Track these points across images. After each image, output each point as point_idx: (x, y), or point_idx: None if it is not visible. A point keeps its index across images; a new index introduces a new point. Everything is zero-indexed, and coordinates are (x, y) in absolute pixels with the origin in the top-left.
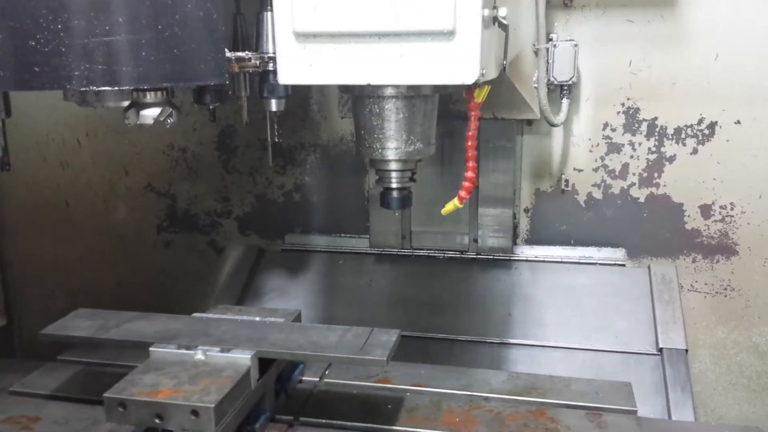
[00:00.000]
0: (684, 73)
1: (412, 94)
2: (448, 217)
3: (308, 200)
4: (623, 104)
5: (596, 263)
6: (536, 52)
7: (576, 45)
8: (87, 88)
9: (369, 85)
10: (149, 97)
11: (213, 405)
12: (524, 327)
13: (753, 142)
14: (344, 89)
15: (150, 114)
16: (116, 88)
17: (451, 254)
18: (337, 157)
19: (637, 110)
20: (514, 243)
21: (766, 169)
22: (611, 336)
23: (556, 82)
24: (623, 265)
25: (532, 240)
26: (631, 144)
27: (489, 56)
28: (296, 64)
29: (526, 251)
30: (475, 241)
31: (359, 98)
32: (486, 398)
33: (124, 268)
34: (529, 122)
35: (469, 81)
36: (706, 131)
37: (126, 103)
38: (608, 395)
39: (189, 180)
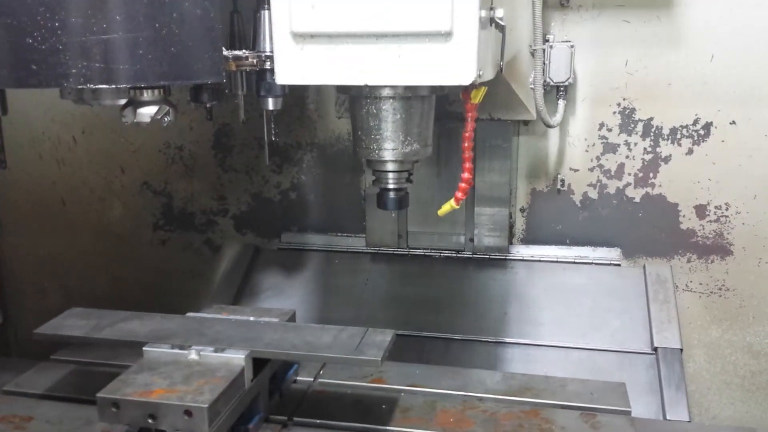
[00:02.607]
0: (679, 73)
1: (409, 95)
2: (445, 217)
3: (305, 199)
4: (619, 104)
5: (592, 263)
6: (533, 53)
7: (572, 46)
8: (84, 86)
9: (366, 86)
10: (146, 95)
11: (206, 405)
12: (520, 326)
13: (748, 143)
14: (341, 89)
15: (147, 112)
16: (113, 86)
17: (447, 254)
18: (333, 156)
19: (633, 110)
20: (510, 242)
21: (761, 169)
22: (606, 335)
23: (552, 83)
24: (618, 265)
25: (528, 239)
26: (627, 144)
27: (486, 57)
28: (294, 64)
29: (521, 251)
30: (471, 240)
31: (356, 99)
32: (480, 398)
33: (119, 266)
34: (525, 122)
35: (466, 82)
36: (702, 131)
37: (123, 102)
38: (603, 396)
39: (185, 178)
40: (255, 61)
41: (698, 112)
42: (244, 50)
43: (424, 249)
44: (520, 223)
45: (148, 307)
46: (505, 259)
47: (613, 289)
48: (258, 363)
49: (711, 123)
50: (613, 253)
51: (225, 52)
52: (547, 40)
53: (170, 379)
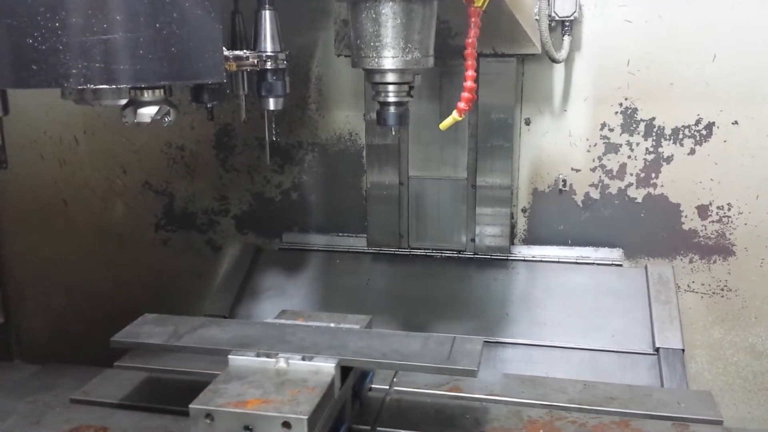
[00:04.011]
0: (682, 73)
1: None
2: (446, 216)
3: (306, 199)
4: (621, 104)
5: (593, 263)
6: None
7: None
8: (84, 87)
9: None
10: (147, 95)
11: (306, 416)
12: (521, 326)
13: (750, 143)
14: None
15: (147, 112)
16: (114, 86)
17: (448, 254)
18: (335, 156)
19: (635, 110)
20: (512, 243)
21: (763, 169)
22: (608, 336)
23: (557, 18)
24: (620, 265)
25: (530, 240)
26: (629, 144)
27: None
28: None
29: (523, 251)
30: (473, 240)
31: (356, 3)
32: (566, 408)
33: (121, 266)
34: (527, 122)
35: None
36: (704, 132)
37: (123, 102)
38: (691, 405)
39: (187, 178)
40: (256, 61)
41: (700, 112)
42: (245, 50)
43: (426, 249)
44: (521, 224)
45: (150, 306)
46: (507, 260)
47: (615, 290)
48: (343, 371)
49: (713, 123)
50: (614, 254)
51: (226, 52)
52: None
53: (262, 388)
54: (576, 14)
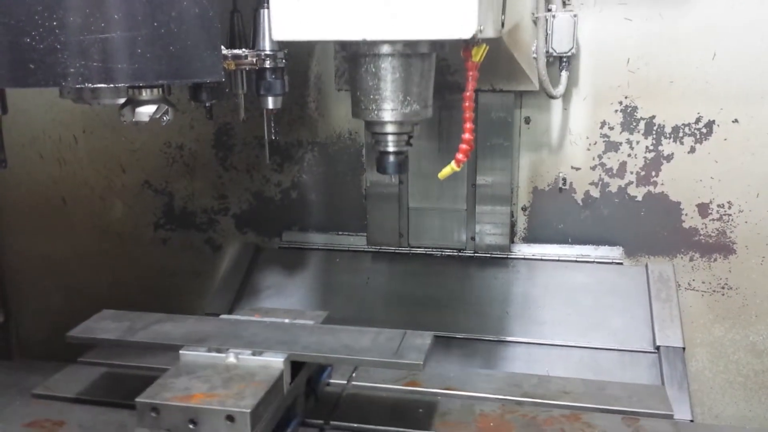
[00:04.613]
0: (682, 71)
1: (408, 53)
2: (446, 215)
3: (306, 198)
4: (621, 102)
5: (593, 261)
6: (535, 21)
7: (575, 15)
8: (82, 86)
9: (365, 43)
10: (145, 94)
11: (249, 410)
12: (521, 325)
13: (751, 141)
14: (341, 47)
15: (146, 111)
16: (112, 85)
17: (448, 252)
18: (334, 155)
19: (635, 108)
20: (512, 241)
21: (763, 167)
22: (608, 334)
23: (555, 54)
24: (620, 264)
25: (530, 238)
26: (629, 142)
27: (487, 13)
28: (292, 20)
29: (523, 249)
30: (473, 239)
31: (355, 58)
32: (519, 402)
33: (120, 266)
34: (527, 120)
35: (467, 36)
36: (704, 130)
37: (122, 101)
38: (643, 399)
39: (186, 177)
40: (254, 59)
41: (701, 111)
42: (243, 49)
43: (426, 248)
44: (521, 222)
45: (149, 306)
46: (507, 258)
47: (615, 288)
48: (294, 366)
49: (713, 121)
50: (615, 252)
51: (224, 51)
52: (550, 10)
53: (209, 383)
54: (573, 50)
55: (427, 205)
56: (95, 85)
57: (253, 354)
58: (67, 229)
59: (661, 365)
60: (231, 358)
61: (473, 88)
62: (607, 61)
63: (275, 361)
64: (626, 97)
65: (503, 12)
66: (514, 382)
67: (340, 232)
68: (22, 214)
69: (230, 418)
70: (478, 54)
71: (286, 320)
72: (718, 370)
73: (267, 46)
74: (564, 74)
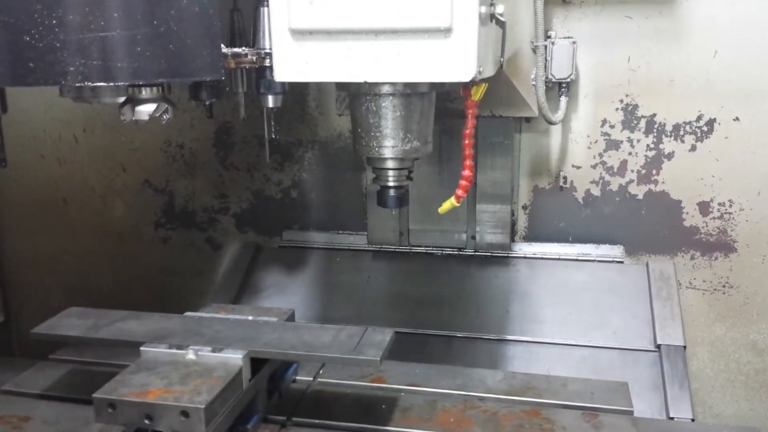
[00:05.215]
0: (682, 69)
1: (408, 92)
2: (446, 215)
3: (306, 197)
4: (622, 101)
5: (594, 260)
6: (534, 50)
7: (574, 42)
8: (82, 84)
9: (365, 83)
10: (145, 92)
11: (203, 406)
12: (522, 324)
13: (752, 139)
14: (341, 86)
15: (145, 110)
16: (112, 83)
17: (449, 251)
18: (334, 154)
19: (636, 107)
20: (512, 240)
21: (764, 166)
22: (609, 333)
23: (554, 80)
24: (621, 262)
25: (530, 237)
26: (630, 141)
27: (486, 54)
28: (292, 62)
29: (524, 248)
30: (473, 238)
31: (356, 96)
32: (481, 398)
33: (121, 265)
34: (528, 119)
35: (466, 79)
36: (705, 128)
37: (122, 99)
38: (604, 395)
39: (186, 176)
40: (254, 58)
41: (701, 109)
42: (243, 47)
43: (426, 246)
44: (522, 221)
45: (150, 305)
46: (507, 257)
47: (616, 287)
48: (257, 363)
49: (714, 119)
50: (615, 251)
51: (224, 50)
52: (549, 37)
53: (167, 379)
54: (572, 76)
55: (427, 227)
56: (95, 84)
57: (213, 351)
58: (68, 228)
59: (661, 364)
60: (191, 355)
61: (473, 126)
62: (608, 60)
63: (234, 358)
64: (627, 95)
65: (502, 53)
66: (479, 378)
67: (341, 231)
68: (22, 213)
69: (185, 413)
70: (478, 93)
71: (250, 317)
72: (718, 369)
73: (267, 45)
74: (563, 99)
